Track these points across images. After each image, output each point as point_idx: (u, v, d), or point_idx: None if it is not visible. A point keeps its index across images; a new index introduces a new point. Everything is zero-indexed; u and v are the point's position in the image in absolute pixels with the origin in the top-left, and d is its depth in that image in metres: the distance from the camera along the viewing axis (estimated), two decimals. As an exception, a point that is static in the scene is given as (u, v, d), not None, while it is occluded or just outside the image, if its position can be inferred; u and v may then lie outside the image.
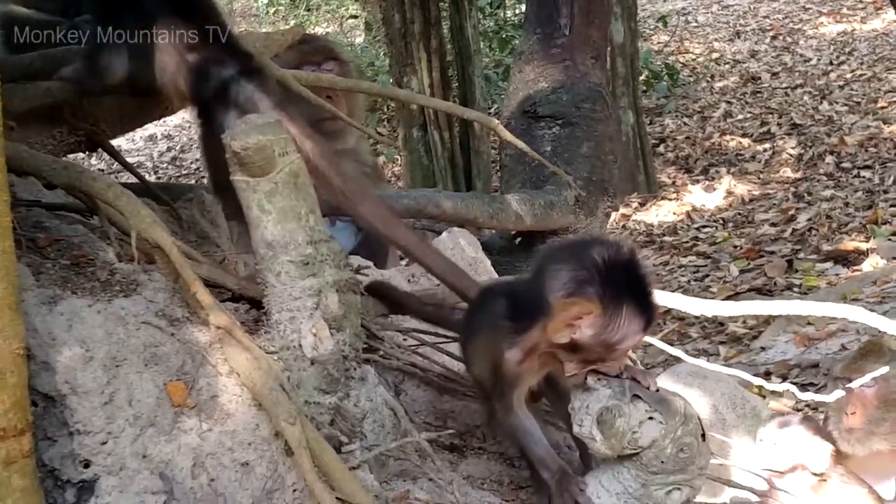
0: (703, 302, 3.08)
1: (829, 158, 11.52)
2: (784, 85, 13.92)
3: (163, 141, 16.27)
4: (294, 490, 2.64)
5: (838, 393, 3.53)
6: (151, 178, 14.99)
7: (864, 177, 10.93)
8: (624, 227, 11.01)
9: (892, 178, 10.64)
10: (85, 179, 2.89)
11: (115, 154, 3.52)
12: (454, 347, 3.25)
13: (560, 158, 5.61)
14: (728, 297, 8.88)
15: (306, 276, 2.72)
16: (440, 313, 3.17)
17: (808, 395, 3.20)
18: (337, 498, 2.53)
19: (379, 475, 2.78)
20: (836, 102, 12.98)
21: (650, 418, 2.55)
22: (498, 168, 8.28)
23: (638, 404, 2.55)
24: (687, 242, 10.38)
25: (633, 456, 2.58)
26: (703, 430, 2.61)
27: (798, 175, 11.38)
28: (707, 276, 9.65)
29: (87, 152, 3.48)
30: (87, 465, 2.58)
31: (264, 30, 20.31)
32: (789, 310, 3.17)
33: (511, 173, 5.74)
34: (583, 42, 5.96)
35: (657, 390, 2.59)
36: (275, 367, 2.68)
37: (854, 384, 3.74)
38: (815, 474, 4.18)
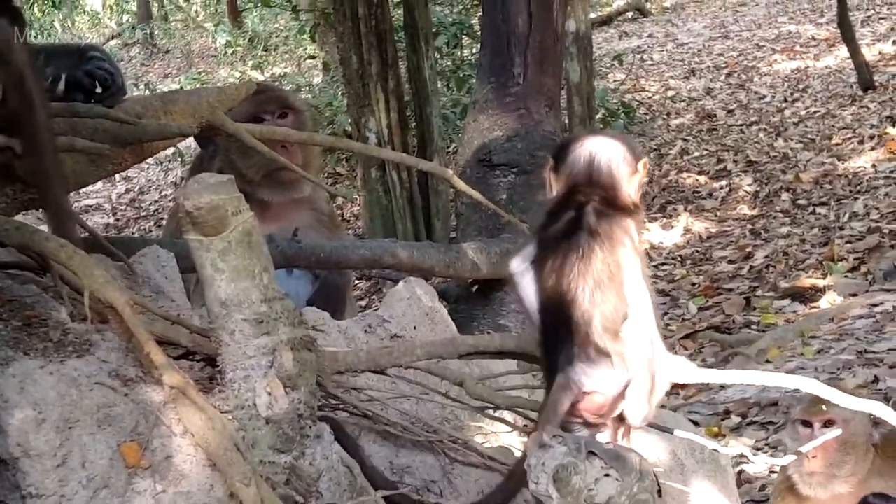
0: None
1: (784, 195, 11.62)
2: (739, 122, 14.04)
3: (121, 182, 16.23)
4: (250, 551, 2.62)
5: (790, 458, 3.61)
6: (110, 220, 14.93)
7: (819, 213, 11.02)
8: (583, 265, 11.03)
9: (847, 215, 10.74)
10: (37, 240, 2.87)
11: (68, 210, 3.48)
12: (409, 404, 3.24)
13: (516, 206, 5.63)
14: (686, 336, 8.94)
15: (260, 335, 2.71)
16: None
17: (762, 458, 3.25)
18: (293, 559, 2.52)
19: (336, 534, 2.77)
20: (791, 139, 13.10)
21: (606, 475, 2.55)
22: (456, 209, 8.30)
23: (594, 461, 2.56)
24: (645, 280, 10.42)
25: (589, 513, 2.59)
26: (658, 486, 2.62)
27: (755, 212, 11.47)
28: (666, 313, 9.69)
29: (40, 209, 3.45)
30: (39, 530, 2.55)
31: (222, 70, 20.33)
32: (741, 379, 3.18)
33: (467, 222, 5.77)
34: (537, 91, 5.99)
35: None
36: (229, 426, 2.67)
37: (811, 445, 3.82)
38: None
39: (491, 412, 3.33)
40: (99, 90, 3.38)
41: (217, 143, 4.82)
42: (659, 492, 2.61)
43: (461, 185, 3.67)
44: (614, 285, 2.86)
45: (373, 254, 4.78)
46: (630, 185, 2.96)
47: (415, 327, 3.71)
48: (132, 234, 14.03)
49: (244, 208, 2.73)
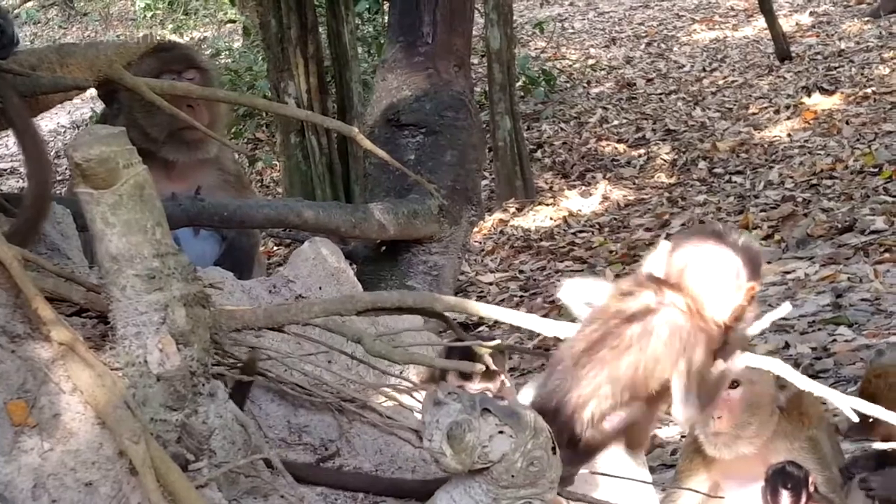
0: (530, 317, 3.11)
1: (702, 164, 11.69)
2: (658, 91, 14.10)
3: (36, 147, 15.91)
4: (139, 510, 2.57)
5: None
6: (24, 184, 14.62)
7: (735, 182, 11.11)
8: (502, 232, 11.05)
9: (762, 184, 10.84)
10: (-80, 191, 2.79)
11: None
12: (312, 360, 3.20)
13: (424, 167, 5.60)
14: (602, 302, 8.96)
15: (152, 291, 2.66)
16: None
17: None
18: (182, 517, 2.48)
19: (228, 493, 2.72)
20: (709, 108, 13.18)
21: (500, 432, 2.53)
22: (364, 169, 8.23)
23: (488, 418, 2.53)
24: (564, 247, 10.45)
25: (483, 470, 2.56)
26: (553, 443, 2.60)
27: (672, 180, 11.53)
28: (582, 281, 9.68)
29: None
30: (-80, 489, 2.49)
31: (141, 34, 20.02)
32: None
33: (375, 182, 5.73)
34: (446, 50, 5.95)
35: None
36: (119, 383, 2.62)
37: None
38: None
39: (395, 370, 3.31)
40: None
41: (121, 100, 4.73)
42: (554, 449, 2.59)
43: (367, 144, 3.62)
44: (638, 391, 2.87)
45: (278, 213, 4.72)
46: (722, 305, 2.88)
47: (320, 288, 3.67)
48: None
49: (136, 161, 2.66)
